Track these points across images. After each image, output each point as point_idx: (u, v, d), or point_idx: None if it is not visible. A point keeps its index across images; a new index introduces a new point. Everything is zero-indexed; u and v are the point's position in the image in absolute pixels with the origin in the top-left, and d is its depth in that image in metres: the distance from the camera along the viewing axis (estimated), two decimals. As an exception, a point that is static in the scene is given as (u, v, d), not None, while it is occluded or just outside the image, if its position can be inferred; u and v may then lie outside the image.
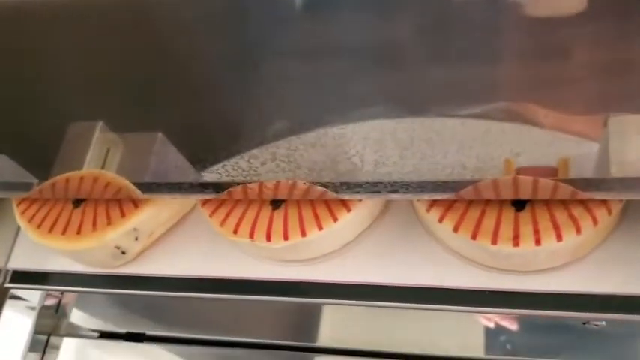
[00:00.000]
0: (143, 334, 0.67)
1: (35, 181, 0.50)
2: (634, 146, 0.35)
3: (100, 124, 0.47)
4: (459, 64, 0.36)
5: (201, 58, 0.41)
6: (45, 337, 0.69)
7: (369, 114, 0.40)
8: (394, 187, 0.40)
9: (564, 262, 0.42)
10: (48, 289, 0.56)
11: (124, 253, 0.50)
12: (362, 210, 0.45)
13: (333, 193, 0.42)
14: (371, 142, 0.40)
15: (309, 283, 0.47)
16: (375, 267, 0.46)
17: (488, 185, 0.39)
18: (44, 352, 0.69)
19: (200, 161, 0.45)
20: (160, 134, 0.46)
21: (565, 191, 0.38)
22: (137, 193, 0.46)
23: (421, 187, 0.40)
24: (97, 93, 0.45)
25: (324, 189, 0.42)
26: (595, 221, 0.39)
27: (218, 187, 0.45)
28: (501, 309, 0.44)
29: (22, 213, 0.51)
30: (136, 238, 0.49)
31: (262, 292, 0.48)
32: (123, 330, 0.68)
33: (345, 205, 0.44)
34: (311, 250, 0.46)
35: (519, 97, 0.37)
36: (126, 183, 0.47)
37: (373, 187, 0.41)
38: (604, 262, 0.42)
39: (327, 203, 0.45)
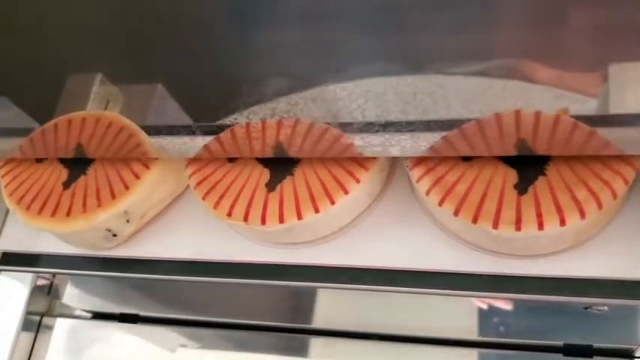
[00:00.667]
0: (137, 315, 0.66)
1: (36, 125, 0.49)
2: (634, 94, 0.34)
3: (100, 76, 0.47)
4: (460, 22, 0.35)
5: (202, 11, 0.40)
6: (38, 318, 0.69)
7: (370, 71, 0.39)
8: (396, 128, 0.40)
9: (567, 247, 0.41)
10: (39, 272, 0.55)
11: (115, 235, 0.48)
12: (359, 192, 0.43)
13: (336, 129, 0.41)
14: (372, 95, 0.39)
15: (305, 266, 0.46)
16: (373, 250, 0.45)
17: (492, 120, 0.38)
18: (37, 332, 0.68)
19: (199, 117, 0.45)
20: (159, 86, 0.45)
21: (567, 125, 0.36)
22: (142, 134, 0.46)
23: (422, 127, 0.39)
24: (95, 44, 0.43)
25: (327, 125, 0.41)
26: (600, 205, 0.38)
27: (220, 129, 0.44)
28: (502, 294, 0.43)
29: (11, 194, 0.49)
30: (128, 221, 0.48)
31: (257, 276, 0.47)
32: (117, 311, 0.67)
33: (341, 186, 0.43)
34: (307, 233, 0.45)
35: (519, 54, 0.36)
36: (128, 122, 0.47)
37: (371, 128, 0.40)
38: (607, 247, 0.41)
39: (323, 184, 0.43)
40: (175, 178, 0.49)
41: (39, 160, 0.51)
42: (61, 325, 0.68)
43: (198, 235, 0.49)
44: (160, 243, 0.50)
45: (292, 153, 0.44)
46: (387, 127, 0.40)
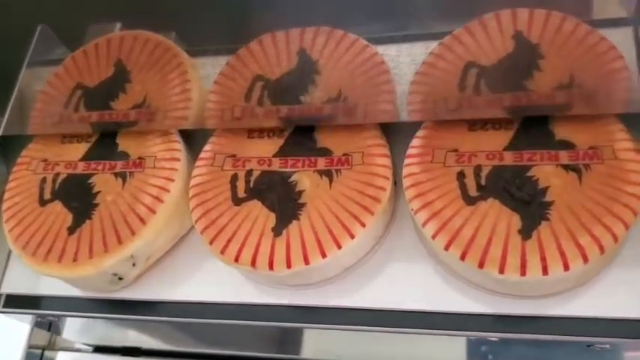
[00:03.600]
0: (139, 349, 0.67)
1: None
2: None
3: (119, 25, 0.54)
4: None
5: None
6: (39, 352, 0.69)
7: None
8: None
9: (570, 287, 0.42)
10: (42, 314, 0.55)
11: (121, 279, 0.49)
12: (364, 236, 0.44)
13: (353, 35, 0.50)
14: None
15: (311, 307, 0.47)
16: (379, 291, 0.46)
17: (492, 17, 0.48)
18: (39, 366, 0.69)
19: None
20: (174, 33, 0.54)
21: (557, 16, 0.46)
22: (177, 48, 0.53)
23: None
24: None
25: (344, 32, 0.51)
26: (602, 250, 0.39)
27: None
28: (505, 334, 0.44)
29: (16, 240, 0.50)
30: (134, 264, 0.48)
31: (262, 317, 0.47)
32: (118, 344, 0.67)
33: (347, 231, 0.44)
34: (313, 276, 0.46)
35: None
36: (163, 39, 0.54)
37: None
38: (608, 287, 0.42)
39: (329, 229, 0.44)
40: (179, 221, 0.50)
41: (42, 204, 0.51)
42: (62, 358, 0.69)
43: (202, 276, 0.50)
44: (166, 285, 0.50)
45: (315, 56, 0.51)
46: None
